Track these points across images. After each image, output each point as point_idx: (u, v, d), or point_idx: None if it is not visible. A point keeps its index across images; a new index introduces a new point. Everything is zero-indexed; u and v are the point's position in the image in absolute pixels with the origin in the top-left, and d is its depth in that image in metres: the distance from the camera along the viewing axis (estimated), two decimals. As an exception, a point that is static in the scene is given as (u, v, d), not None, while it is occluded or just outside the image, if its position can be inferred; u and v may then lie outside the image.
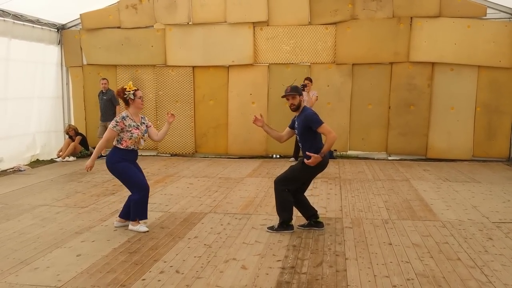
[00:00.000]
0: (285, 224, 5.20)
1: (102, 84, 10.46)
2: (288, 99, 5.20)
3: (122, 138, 5.15)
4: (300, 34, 10.42)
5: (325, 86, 10.41)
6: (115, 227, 5.40)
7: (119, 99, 5.38)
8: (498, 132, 10.00)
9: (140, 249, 4.68)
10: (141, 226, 5.27)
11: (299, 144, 5.29)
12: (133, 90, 5.19)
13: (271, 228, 5.23)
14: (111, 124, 5.14)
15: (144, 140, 5.37)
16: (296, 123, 5.26)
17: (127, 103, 5.22)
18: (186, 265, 4.24)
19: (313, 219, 5.34)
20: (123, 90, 5.18)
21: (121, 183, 5.43)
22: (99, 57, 11.19)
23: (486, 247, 4.66)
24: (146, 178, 5.42)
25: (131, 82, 5.32)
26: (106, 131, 5.20)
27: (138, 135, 5.18)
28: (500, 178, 8.26)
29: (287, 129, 5.44)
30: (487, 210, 6.06)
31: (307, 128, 5.10)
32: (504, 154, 10.05)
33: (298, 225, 5.36)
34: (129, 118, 5.18)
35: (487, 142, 10.06)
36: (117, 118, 5.17)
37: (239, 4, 10.43)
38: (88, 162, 5.22)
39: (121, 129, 5.11)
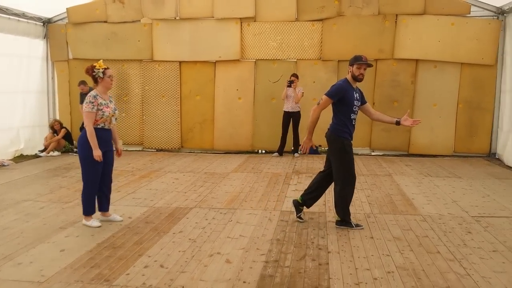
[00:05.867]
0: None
1: (80, 89, 10.14)
2: (360, 68, 5.08)
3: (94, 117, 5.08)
4: (287, 30, 10.46)
5: (311, 82, 10.48)
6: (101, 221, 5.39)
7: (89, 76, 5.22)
8: (479, 129, 10.16)
9: (124, 244, 4.69)
10: (94, 221, 5.26)
11: (355, 115, 5.24)
12: (102, 69, 5.13)
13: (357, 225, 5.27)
14: (87, 107, 5.00)
15: (116, 119, 5.32)
16: (360, 96, 5.27)
17: (95, 81, 5.16)
18: (171, 260, 4.27)
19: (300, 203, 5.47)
20: (92, 67, 5.12)
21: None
22: (85, 52, 11.11)
23: (465, 241, 4.77)
24: (112, 171, 5.42)
25: (101, 60, 5.26)
26: (85, 116, 5.04)
27: (109, 113, 5.15)
28: (480, 173, 8.41)
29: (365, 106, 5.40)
30: (467, 205, 6.19)
31: None
32: (484, 150, 10.22)
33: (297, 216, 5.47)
34: (99, 97, 5.12)
35: (468, 138, 10.22)
36: (90, 98, 5.04)
37: (227, 0, 10.43)
38: (95, 152, 5.01)
39: (96, 108, 5.04)
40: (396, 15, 10.12)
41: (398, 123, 5.35)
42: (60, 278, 3.88)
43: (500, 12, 9.80)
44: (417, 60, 10.18)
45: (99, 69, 5.13)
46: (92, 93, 5.14)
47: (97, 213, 5.42)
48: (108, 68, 5.23)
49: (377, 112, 5.59)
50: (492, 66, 9.93)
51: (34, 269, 4.05)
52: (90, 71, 5.14)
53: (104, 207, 5.44)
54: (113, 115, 5.23)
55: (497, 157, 9.97)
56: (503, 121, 9.83)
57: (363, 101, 5.33)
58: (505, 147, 9.55)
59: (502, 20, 9.81)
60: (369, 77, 10.35)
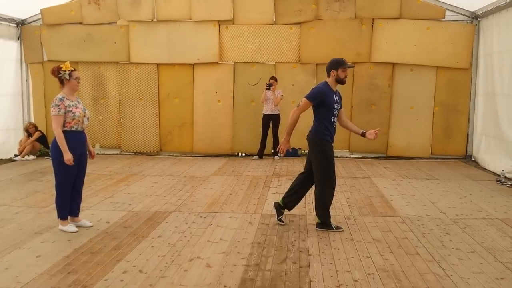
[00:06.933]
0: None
1: None
2: (345, 71, 5.26)
3: (65, 120, 4.97)
4: (265, 33, 10.48)
5: (289, 85, 10.51)
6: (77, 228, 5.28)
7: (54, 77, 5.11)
8: (455, 131, 10.35)
9: (102, 249, 4.61)
10: (70, 226, 5.15)
11: (335, 118, 5.26)
12: (69, 70, 5.01)
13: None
14: (54, 111, 4.92)
15: (88, 119, 5.21)
16: (339, 99, 5.32)
17: (62, 82, 5.05)
18: (150, 265, 4.20)
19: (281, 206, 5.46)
20: (59, 69, 5.00)
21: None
22: (60, 54, 10.89)
23: (444, 242, 4.83)
24: (85, 175, 5.32)
25: (68, 62, 5.14)
26: (53, 120, 4.96)
27: (80, 113, 5.05)
28: (457, 175, 8.55)
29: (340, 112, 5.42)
30: (445, 206, 6.28)
31: None
32: (461, 152, 10.40)
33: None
34: (66, 99, 5.01)
35: (445, 140, 10.39)
36: (55, 102, 4.95)
37: (204, 2, 10.40)
38: (65, 156, 4.88)
39: (64, 111, 4.95)
40: (373, 19, 10.24)
41: (363, 134, 5.42)
42: (36, 284, 3.78)
43: (474, 17, 10.01)
44: (393, 64, 10.31)
45: (65, 70, 5.01)
46: (58, 96, 5.01)
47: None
48: (74, 69, 5.12)
49: (348, 120, 5.64)
50: (467, 69, 10.13)
51: (9, 276, 3.95)
52: (56, 72, 5.02)
53: (74, 212, 5.30)
54: (84, 115, 5.12)
55: (473, 159, 10.15)
56: (477, 123, 10.04)
57: (340, 105, 5.37)
58: (479, 149, 9.75)
59: (476, 25, 10.02)
60: (347, 81, 10.38)
